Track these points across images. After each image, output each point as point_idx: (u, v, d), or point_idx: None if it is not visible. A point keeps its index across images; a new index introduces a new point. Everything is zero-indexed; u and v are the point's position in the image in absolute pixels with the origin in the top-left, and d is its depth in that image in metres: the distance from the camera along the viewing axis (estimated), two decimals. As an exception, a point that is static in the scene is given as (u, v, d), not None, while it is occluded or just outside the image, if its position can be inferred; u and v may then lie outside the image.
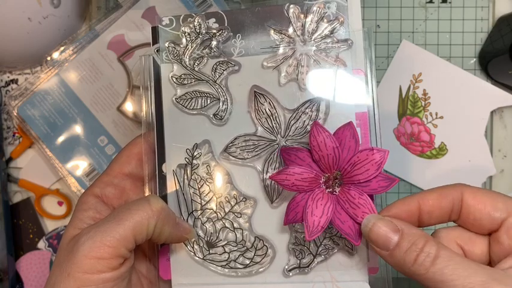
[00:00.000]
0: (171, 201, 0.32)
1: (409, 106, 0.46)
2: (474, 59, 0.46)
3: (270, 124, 0.32)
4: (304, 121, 0.32)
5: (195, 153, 0.32)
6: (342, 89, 0.32)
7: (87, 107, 0.47)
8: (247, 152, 0.32)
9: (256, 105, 0.32)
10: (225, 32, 0.33)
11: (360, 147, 0.31)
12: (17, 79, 0.49)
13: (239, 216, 0.32)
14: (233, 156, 0.32)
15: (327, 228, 0.31)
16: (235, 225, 0.32)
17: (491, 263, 0.28)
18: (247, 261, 0.32)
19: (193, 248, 0.32)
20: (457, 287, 0.24)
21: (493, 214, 0.27)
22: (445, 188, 0.28)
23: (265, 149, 0.32)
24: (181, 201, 0.32)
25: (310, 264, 0.31)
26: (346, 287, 0.31)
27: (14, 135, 0.49)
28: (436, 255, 0.25)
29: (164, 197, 0.32)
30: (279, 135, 0.32)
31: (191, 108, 0.33)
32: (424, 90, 0.45)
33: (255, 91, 0.32)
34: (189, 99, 0.33)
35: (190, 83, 0.33)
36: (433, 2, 0.46)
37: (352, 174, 0.29)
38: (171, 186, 0.32)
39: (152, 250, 0.33)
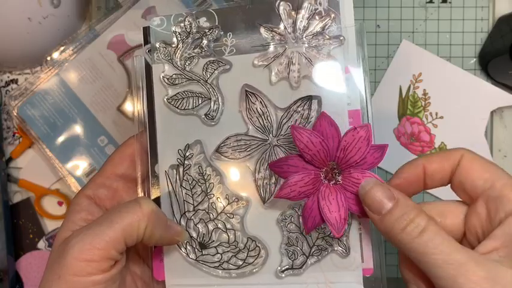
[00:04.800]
0: (164, 202, 0.32)
1: (409, 106, 0.45)
2: (474, 59, 0.46)
3: (262, 123, 0.32)
4: (296, 120, 0.31)
5: (187, 154, 0.32)
6: (334, 86, 0.31)
7: (87, 107, 0.47)
8: (239, 152, 0.32)
9: (247, 104, 0.32)
10: (215, 31, 0.32)
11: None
12: (17, 79, 0.50)
13: (231, 216, 0.32)
14: (225, 156, 0.32)
15: (320, 229, 0.31)
16: (228, 226, 0.32)
17: (465, 235, 0.28)
18: (240, 262, 0.31)
19: (186, 249, 0.32)
20: (437, 260, 0.24)
21: (476, 182, 0.27)
22: (448, 151, 0.29)
23: (257, 149, 0.32)
24: (174, 202, 0.32)
25: (303, 265, 0.31)
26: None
27: (14, 135, 0.50)
28: (424, 228, 0.25)
29: (157, 198, 0.32)
30: (270, 135, 0.31)
31: (183, 108, 0.32)
32: (424, 90, 0.45)
33: (246, 90, 0.32)
34: (181, 99, 0.33)
35: (182, 83, 0.33)
36: (433, 2, 0.46)
37: (347, 158, 0.29)
38: (164, 187, 0.32)
39: (146, 251, 0.33)
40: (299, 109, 0.31)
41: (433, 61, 0.45)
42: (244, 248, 0.31)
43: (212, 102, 0.32)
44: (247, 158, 0.32)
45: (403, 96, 0.45)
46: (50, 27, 0.46)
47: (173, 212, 0.32)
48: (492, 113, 0.45)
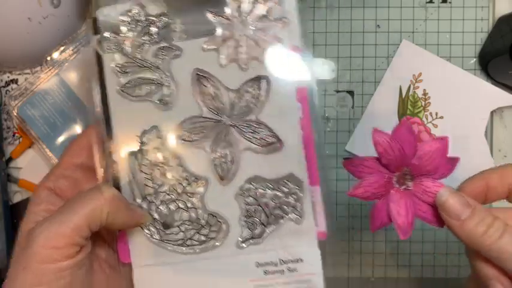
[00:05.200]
0: (125, 188, 0.33)
1: (409, 106, 0.45)
2: (474, 59, 0.45)
3: (215, 105, 0.33)
4: (247, 100, 0.33)
5: (143, 140, 0.33)
6: (281, 66, 0.33)
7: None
8: (194, 134, 0.33)
9: (199, 87, 0.33)
10: (164, 18, 0.33)
11: (302, 120, 0.33)
12: (17, 79, 0.49)
13: (192, 196, 0.33)
14: (181, 139, 0.33)
15: (276, 198, 0.33)
16: (189, 205, 0.33)
17: None
18: (203, 238, 0.33)
19: (149, 230, 0.33)
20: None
21: None
22: (506, 166, 0.31)
23: (212, 130, 0.33)
24: (134, 187, 0.33)
25: (262, 235, 0.33)
26: (298, 252, 0.33)
27: (14, 135, 0.49)
28: (504, 231, 0.28)
29: (117, 185, 0.33)
30: (224, 115, 0.33)
31: (136, 95, 0.33)
32: (424, 90, 0.45)
33: (197, 74, 0.33)
34: (133, 87, 0.33)
35: (133, 70, 0.33)
36: (433, 2, 0.45)
37: (420, 167, 0.30)
38: (123, 173, 0.33)
39: (111, 236, 0.33)
40: (249, 89, 0.33)
41: (433, 61, 0.45)
42: (206, 224, 0.33)
43: (165, 88, 0.33)
44: (203, 139, 0.33)
45: (403, 96, 0.45)
46: (50, 27, 0.45)
47: (134, 196, 0.33)
48: (492, 113, 0.45)
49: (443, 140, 0.30)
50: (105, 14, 0.34)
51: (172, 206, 0.33)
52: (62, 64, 0.46)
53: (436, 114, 0.45)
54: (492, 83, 0.45)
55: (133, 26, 0.33)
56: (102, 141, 0.33)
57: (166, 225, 0.33)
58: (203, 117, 0.33)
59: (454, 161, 0.30)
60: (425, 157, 0.30)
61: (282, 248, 0.33)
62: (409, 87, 0.45)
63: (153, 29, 0.33)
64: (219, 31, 0.33)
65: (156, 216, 0.33)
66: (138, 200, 0.33)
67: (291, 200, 0.33)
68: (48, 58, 0.46)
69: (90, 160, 0.33)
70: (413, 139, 0.30)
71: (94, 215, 0.29)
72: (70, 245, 0.28)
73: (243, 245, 0.33)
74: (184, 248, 0.33)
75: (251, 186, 0.33)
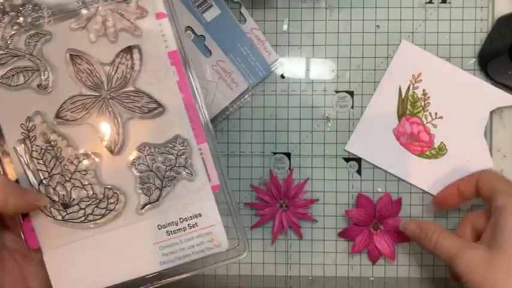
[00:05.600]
0: (21, 177, 0.34)
1: (409, 106, 0.45)
2: (474, 59, 0.45)
3: (92, 81, 0.34)
4: (123, 71, 0.34)
5: (29, 126, 0.34)
6: (149, 34, 0.34)
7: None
8: (77, 112, 0.34)
9: (74, 67, 0.34)
10: (29, 6, 0.34)
11: (179, 82, 0.34)
12: None
13: (85, 173, 0.34)
14: (65, 120, 0.34)
15: (167, 160, 0.34)
16: (84, 182, 0.34)
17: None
18: (103, 211, 0.34)
19: (51, 212, 0.34)
20: (443, 255, 0.38)
21: (483, 193, 0.40)
22: (472, 175, 0.42)
23: (93, 106, 0.34)
24: (29, 173, 0.34)
25: (159, 198, 0.34)
26: (195, 208, 0.34)
27: None
28: (436, 239, 0.39)
29: (14, 175, 0.34)
30: (102, 90, 0.34)
31: (15, 84, 0.34)
32: (424, 90, 0.45)
33: (70, 54, 0.34)
34: (11, 77, 0.34)
35: (8, 61, 0.34)
36: (433, 3, 0.45)
37: (382, 215, 0.45)
38: (16, 162, 0.34)
39: (15, 224, 0.34)
40: (122, 60, 0.34)
41: (432, 61, 0.45)
42: (103, 197, 0.34)
43: (42, 73, 0.34)
44: (86, 116, 0.34)
45: (403, 96, 0.45)
46: None
47: (31, 183, 0.34)
48: (491, 113, 0.45)
49: (388, 195, 0.44)
50: (-28, 11, 0.34)
51: (68, 186, 0.34)
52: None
53: (436, 114, 0.45)
54: (491, 83, 0.45)
55: (1, 18, 0.34)
56: (-9, 135, 0.34)
57: (66, 205, 0.34)
58: (82, 94, 0.34)
59: (399, 202, 0.45)
60: (382, 209, 0.44)
61: (180, 207, 0.34)
62: (409, 87, 0.45)
63: (21, 18, 0.34)
64: (83, 10, 0.34)
65: (55, 198, 0.34)
66: (36, 186, 0.34)
67: (181, 160, 0.34)
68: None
69: (-16, 157, 0.34)
70: (370, 202, 0.44)
71: None
72: None
73: (142, 211, 0.34)
74: (87, 224, 0.34)
75: (141, 154, 0.34)
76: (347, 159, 0.45)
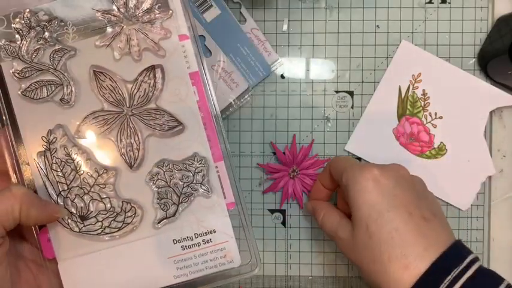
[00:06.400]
0: (40, 188, 0.35)
1: (409, 106, 0.45)
2: (473, 59, 0.45)
3: (114, 98, 0.35)
4: (145, 89, 0.35)
5: (51, 139, 0.35)
6: (172, 54, 0.35)
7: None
8: (98, 127, 0.35)
9: (97, 82, 0.35)
10: (55, 22, 0.35)
11: (199, 102, 0.35)
12: None
13: (104, 187, 0.35)
14: (86, 134, 0.35)
15: (184, 177, 0.35)
16: (103, 195, 0.35)
17: None
18: (120, 224, 0.35)
19: (68, 224, 0.35)
20: (327, 229, 0.39)
21: (337, 179, 0.40)
22: (326, 167, 0.42)
23: (114, 121, 0.35)
24: (48, 185, 0.35)
25: (175, 213, 0.35)
26: (210, 224, 0.35)
27: None
28: (322, 217, 0.39)
29: (32, 186, 0.35)
30: (124, 106, 0.35)
31: (38, 97, 0.35)
32: (424, 90, 0.45)
33: (94, 70, 0.35)
34: (35, 90, 0.35)
35: (32, 74, 0.35)
36: (433, 3, 0.45)
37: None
38: (35, 173, 0.35)
39: (31, 234, 0.35)
40: (145, 79, 0.35)
41: (432, 61, 0.45)
42: (121, 211, 0.35)
43: (65, 87, 0.35)
44: (107, 131, 0.35)
45: (403, 96, 0.45)
46: None
47: (49, 194, 0.35)
48: (491, 113, 0.45)
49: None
50: (-2, 23, 0.35)
51: (86, 199, 0.35)
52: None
53: (436, 114, 0.45)
54: (491, 83, 0.45)
55: (27, 32, 0.35)
56: (12, 146, 0.35)
57: (83, 217, 0.35)
58: (104, 110, 0.35)
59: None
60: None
61: (195, 223, 0.35)
62: (409, 87, 0.45)
63: (46, 34, 0.35)
64: (108, 28, 0.35)
65: (72, 210, 0.35)
66: (54, 197, 0.35)
67: (198, 177, 0.35)
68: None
69: (2, 165, 0.35)
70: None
71: (6, 213, 0.30)
72: None
73: (159, 225, 0.35)
74: (103, 236, 0.35)
75: (159, 170, 0.35)
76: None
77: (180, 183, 0.35)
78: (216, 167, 0.35)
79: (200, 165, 0.35)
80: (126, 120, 0.35)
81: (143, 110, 0.35)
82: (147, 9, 0.35)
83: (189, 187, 0.35)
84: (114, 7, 0.35)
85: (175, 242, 0.35)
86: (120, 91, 0.35)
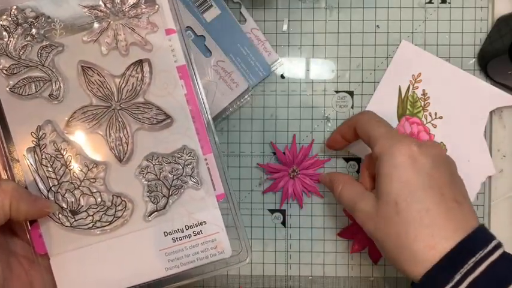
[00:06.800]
0: (29, 184, 0.35)
1: (409, 106, 0.45)
2: (473, 59, 0.45)
3: (103, 92, 0.35)
4: (133, 83, 0.35)
5: (40, 134, 0.35)
6: (159, 48, 0.35)
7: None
8: (87, 122, 0.35)
9: (85, 78, 0.35)
10: (42, 19, 0.35)
11: (187, 95, 0.35)
12: None
13: (94, 181, 0.35)
14: (76, 129, 0.35)
15: (174, 170, 0.35)
16: (93, 189, 0.35)
17: None
18: (111, 218, 0.35)
19: (59, 219, 0.35)
20: (345, 202, 0.38)
21: (362, 137, 0.40)
22: (351, 119, 0.42)
23: (103, 116, 0.35)
24: (38, 180, 0.35)
25: (166, 206, 0.35)
26: (200, 216, 0.35)
27: None
28: (341, 189, 0.39)
29: (23, 182, 0.35)
30: (113, 101, 0.35)
31: (27, 94, 0.35)
32: (424, 90, 0.45)
33: (82, 66, 0.35)
34: (23, 86, 0.35)
35: (20, 71, 0.35)
36: (433, 3, 0.45)
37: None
38: (25, 169, 0.35)
39: (22, 230, 0.35)
40: (133, 73, 0.35)
41: (432, 61, 0.45)
42: (111, 205, 0.35)
43: (53, 83, 0.35)
44: (96, 126, 0.35)
45: (403, 96, 0.46)
46: None
47: (40, 189, 0.35)
48: (491, 113, 0.45)
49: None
50: (-15, 21, 0.35)
51: (77, 193, 0.35)
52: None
53: (436, 114, 0.45)
54: (491, 83, 0.45)
55: (14, 29, 0.35)
56: (1, 142, 0.35)
57: (74, 212, 0.35)
58: (93, 105, 0.35)
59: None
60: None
61: (186, 215, 0.35)
62: (409, 87, 0.45)
63: (34, 30, 0.35)
64: (95, 24, 0.35)
65: (63, 205, 0.35)
66: (45, 193, 0.35)
67: (188, 170, 0.35)
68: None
69: (-6, 163, 0.35)
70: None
71: None
72: None
73: (149, 218, 0.35)
74: (94, 230, 0.35)
75: (149, 163, 0.35)
76: (347, 159, 0.46)
77: (170, 176, 0.35)
78: (206, 159, 0.36)
79: (189, 157, 0.35)
80: (114, 115, 0.35)
81: (131, 104, 0.35)
82: (134, 4, 0.35)
83: (179, 180, 0.35)
84: (101, 2, 0.35)
85: (166, 234, 0.35)
86: (108, 86, 0.35)
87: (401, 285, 0.47)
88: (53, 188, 0.35)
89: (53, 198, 0.35)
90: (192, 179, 0.35)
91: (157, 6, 0.35)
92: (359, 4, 0.46)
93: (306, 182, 0.45)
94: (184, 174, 0.35)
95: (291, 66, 0.46)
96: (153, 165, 0.35)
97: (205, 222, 0.35)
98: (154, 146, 0.35)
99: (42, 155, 0.35)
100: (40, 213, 0.34)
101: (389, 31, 0.46)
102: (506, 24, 0.44)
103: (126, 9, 0.35)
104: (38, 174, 0.35)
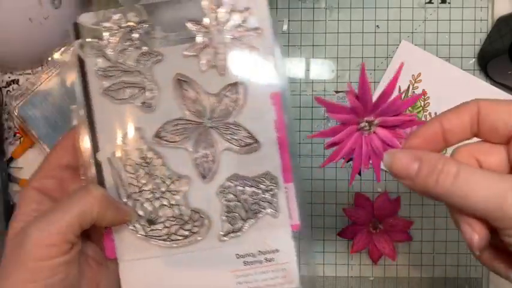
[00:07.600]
0: (110, 187, 0.35)
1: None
2: (473, 60, 0.45)
3: (196, 108, 0.35)
4: (227, 104, 0.35)
5: (127, 140, 0.35)
6: (256, 72, 0.36)
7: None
8: (177, 135, 0.35)
9: (181, 91, 0.35)
10: (145, 25, 0.35)
11: (276, 122, 0.35)
12: (18, 79, 0.50)
13: (175, 194, 0.35)
14: (164, 140, 0.35)
15: (254, 194, 0.35)
16: (173, 202, 0.35)
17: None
18: (186, 233, 0.35)
19: (134, 227, 0.35)
20: (479, 197, 0.24)
21: (508, 120, 0.26)
22: (462, 104, 0.28)
23: (193, 131, 0.35)
24: (119, 186, 0.35)
25: (242, 228, 0.35)
26: (274, 244, 0.36)
27: (15, 135, 0.50)
28: (456, 173, 0.25)
29: (102, 184, 0.35)
30: (205, 118, 0.35)
31: (119, 98, 0.35)
32: (424, 90, 0.45)
33: (178, 79, 0.35)
34: (117, 90, 0.35)
35: (116, 74, 0.35)
36: (433, 3, 0.45)
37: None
38: (108, 173, 0.35)
39: (96, 234, 0.35)
40: (228, 94, 0.35)
41: (432, 61, 0.45)
42: (189, 219, 0.35)
43: (147, 91, 0.35)
44: (185, 140, 0.35)
45: (403, 96, 0.46)
46: (51, 28, 0.46)
47: (119, 195, 0.35)
48: None
49: (385, 195, 0.43)
50: (87, 19, 0.35)
51: (156, 204, 0.35)
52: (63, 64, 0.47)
53: (435, 114, 0.45)
54: (491, 83, 0.45)
55: (115, 31, 0.35)
56: (90, 144, 0.35)
57: (151, 222, 0.35)
58: (185, 119, 0.35)
59: (397, 201, 0.44)
60: (381, 208, 0.42)
61: (260, 240, 0.36)
62: (409, 87, 0.45)
63: (135, 35, 0.35)
64: (199, 39, 0.35)
65: (141, 213, 0.35)
66: (124, 199, 0.35)
67: (267, 196, 0.36)
68: (49, 58, 0.47)
69: (75, 160, 0.35)
70: (369, 201, 0.42)
71: (85, 214, 0.31)
72: (64, 242, 0.30)
73: (224, 238, 0.35)
74: (168, 243, 0.35)
75: (231, 184, 0.35)
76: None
77: (250, 199, 0.36)
78: (286, 187, 0.36)
79: (271, 184, 0.36)
80: (204, 132, 0.35)
81: (222, 123, 0.35)
82: (238, 25, 0.35)
83: (258, 204, 0.36)
84: (206, 19, 0.35)
85: (238, 256, 0.35)
86: (202, 102, 0.35)
87: (402, 285, 0.46)
88: (133, 195, 0.35)
89: (131, 205, 0.35)
90: (271, 205, 0.36)
91: (260, 30, 0.35)
92: (359, 4, 0.46)
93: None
94: (263, 199, 0.36)
95: (291, 66, 0.46)
96: (235, 186, 0.35)
97: (278, 250, 0.36)
98: (238, 168, 0.36)
99: (126, 161, 0.35)
100: (122, 221, 0.34)
101: (389, 31, 0.46)
102: (506, 24, 0.44)
103: (230, 29, 0.35)
104: (120, 179, 0.35)
